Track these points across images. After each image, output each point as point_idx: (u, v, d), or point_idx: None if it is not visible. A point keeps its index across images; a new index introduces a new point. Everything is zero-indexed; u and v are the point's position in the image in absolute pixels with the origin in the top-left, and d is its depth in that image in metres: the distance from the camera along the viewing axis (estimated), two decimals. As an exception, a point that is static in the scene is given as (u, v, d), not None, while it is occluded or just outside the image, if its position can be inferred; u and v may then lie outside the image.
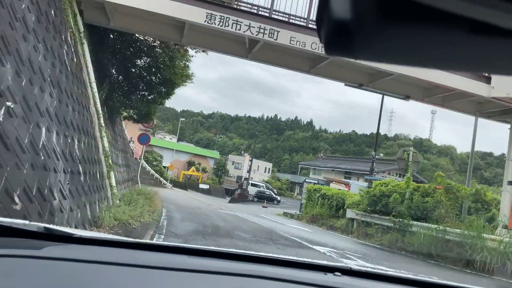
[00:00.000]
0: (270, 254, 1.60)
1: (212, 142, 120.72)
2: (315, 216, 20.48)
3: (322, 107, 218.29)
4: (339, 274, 1.46)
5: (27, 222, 1.35)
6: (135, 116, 15.56)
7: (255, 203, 44.09)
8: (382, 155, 59.46)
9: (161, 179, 52.97)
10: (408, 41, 0.46)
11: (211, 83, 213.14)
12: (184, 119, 62.19)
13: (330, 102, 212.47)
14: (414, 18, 0.43)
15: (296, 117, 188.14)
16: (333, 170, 61.02)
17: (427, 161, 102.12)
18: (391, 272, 1.77)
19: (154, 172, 50.28)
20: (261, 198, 45.64)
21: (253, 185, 49.96)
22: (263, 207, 38.54)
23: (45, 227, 1.36)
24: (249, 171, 47.93)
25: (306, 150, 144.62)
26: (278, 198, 47.70)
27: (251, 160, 48.35)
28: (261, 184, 52.07)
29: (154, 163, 59.10)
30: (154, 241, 2.72)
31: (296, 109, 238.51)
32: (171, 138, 76.31)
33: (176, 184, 60.51)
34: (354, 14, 0.44)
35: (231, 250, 1.60)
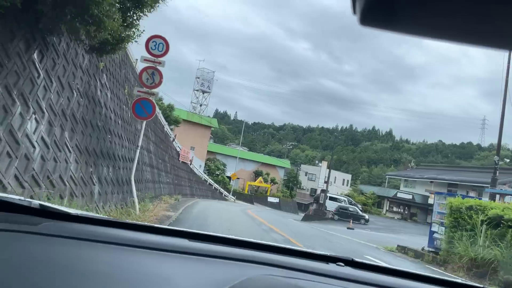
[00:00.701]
0: (273, 243, 1.55)
1: (283, 154, 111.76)
2: (480, 263, 9.80)
3: (401, 118, 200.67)
4: (342, 264, 1.44)
5: (22, 198, 1.32)
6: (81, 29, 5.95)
7: (335, 222, 33.51)
8: (508, 160, 45.46)
9: (222, 190, 44.22)
10: (458, 11, 0.40)
11: (282, 97, 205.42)
12: (244, 120, 53.27)
13: (409, 112, 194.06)
14: None
15: (373, 127, 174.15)
16: (431, 181, 48.12)
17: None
18: (392, 266, 1.64)
19: (213, 182, 41.64)
20: (343, 215, 34.93)
21: (331, 199, 39.28)
22: (348, 228, 27.85)
23: (40, 204, 1.33)
24: (326, 182, 37.48)
25: (386, 162, 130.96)
26: (366, 217, 36.43)
27: (329, 169, 37.76)
28: (342, 198, 41.15)
29: (217, 172, 50.82)
30: (154, 224, 1.62)
31: (372, 121, 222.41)
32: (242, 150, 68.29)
33: (240, 196, 51.49)
34: None
35: (234, 237, 1.54)
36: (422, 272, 1.50)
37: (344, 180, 72.86)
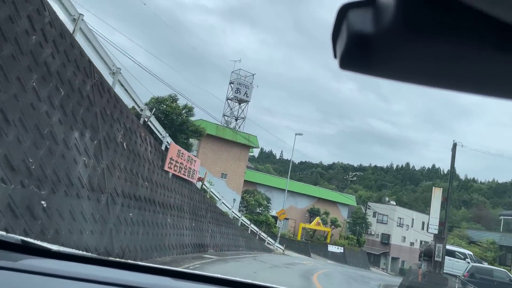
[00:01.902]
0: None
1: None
2: None
3: (457, 158, 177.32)
4: None
5: (4, 233, 1.26)
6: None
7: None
8: None
9: (264, 235, 28.41)
10: (432, 58, 0.39)
11: (329, 138, 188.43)
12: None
13: (465, 153, 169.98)
14: (440, 33, 0.37)
15: (433, 165, 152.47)
16: None
17: None
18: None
19: (248, 223, 25.98)
20: (481, 285, 18.09)
21: (448, 253, 22.26)
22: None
23: (22, 240, 1.27)
24: (444, 224, 20.69)
25: (455, 203, 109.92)
26: (528, 288, 18.91)
27: (446, 200, 20.96)
28: (464, 252, 23.76)
29: (258, 209, 35.23)
30: (140, 263, 1.44)
31: (430, 159, 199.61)
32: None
33: (291, 244, 35.12)
34: (375, 27, 0.38)
35: (240, 279, 1.38)
36: None
37: (424, 223, 54.18)
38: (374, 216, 48.86)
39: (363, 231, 43.45)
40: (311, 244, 36.63)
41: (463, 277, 18.62)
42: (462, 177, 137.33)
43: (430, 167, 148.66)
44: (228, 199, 25.31)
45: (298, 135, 31.79)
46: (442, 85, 0.42)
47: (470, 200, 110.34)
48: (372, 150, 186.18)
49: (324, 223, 39.65)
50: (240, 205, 35.06)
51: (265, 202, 34.89)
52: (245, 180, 36.01)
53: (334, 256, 38.76)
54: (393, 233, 48.71)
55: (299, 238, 36.81)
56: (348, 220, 43.79)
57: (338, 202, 43.24)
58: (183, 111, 22.19)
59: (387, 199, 54.09)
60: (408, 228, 50.24)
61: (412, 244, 51.35)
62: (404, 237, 50.35)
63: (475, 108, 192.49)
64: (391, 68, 0.41)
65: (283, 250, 29.30)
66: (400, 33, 0.37)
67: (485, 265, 21.08)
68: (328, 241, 40.14)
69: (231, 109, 36.48)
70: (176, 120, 21.40)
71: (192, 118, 23.16)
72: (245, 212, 34.60)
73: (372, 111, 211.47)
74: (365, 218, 43.62)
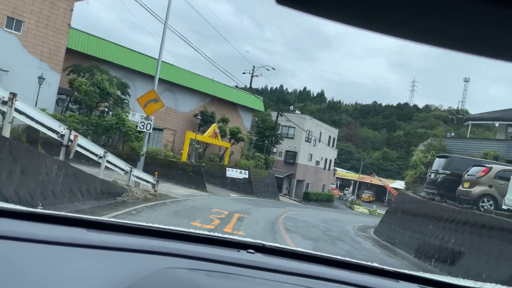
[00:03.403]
0: (180, 228, 1.28)
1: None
2: None
3: (316, 87, 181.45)
4: (252, 251, 1.29)
5: None
6: None
7: None
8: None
9: (113, 159, 10.79)
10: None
11: (203, 62, 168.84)
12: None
13: (325, 81, 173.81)
14: None
15: (304, 88, 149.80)
16: None
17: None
18: (303, 250, 1.43)
19: (36, 120, 7.91)
20: None
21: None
22: None
23: None
24: None
25: (327, 123, 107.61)
26: None
27: None
28: None
29: (102, 106, 16.77)
30: (44, 211, 1.15)
31: (301, 82, 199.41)
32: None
33: (169, 171, 18.57)
34: None
35: (135, 223, 1.25)
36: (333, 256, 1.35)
37: (330, 137, 42.89)
38: (278, 129, 35.12)
39: (273, 146, 29.15)
40: (206, 168, 20.42)
41: None
42: (329, 99, 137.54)
43: (302, 90, 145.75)
44: (24, 77, 6.80)
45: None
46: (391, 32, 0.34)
47: (339, 120, 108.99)
48: (244, 77, 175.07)
49: (222, 135, 23.63)
50: (64, 96, 16.18)
51: (116, 91, 16.57)
52: (74, 51, 16.80)
53: (235, 185, 23.71)
54: (300, 149, 35.97)
55: (184, 159, 20.12)
56: (253, 134, 28.65)
57: (240, 104, 27.36)
58: None
59: (292, 108, 40.79)
60: (315, 144, 38.11)
61: (317, 163, 39.90)
62: (311, 155, 38.33)
63: (335, 40, 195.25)
64: (336, 7, 0.33)
65: (154, 186, 12.46)
66: None
67: None
68: (226, 162, 24.62)
69: None
70: None
71: None
72: (77, 111, 16.02)
73: (246, 37, 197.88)
74: (276, 129, 29.08)
